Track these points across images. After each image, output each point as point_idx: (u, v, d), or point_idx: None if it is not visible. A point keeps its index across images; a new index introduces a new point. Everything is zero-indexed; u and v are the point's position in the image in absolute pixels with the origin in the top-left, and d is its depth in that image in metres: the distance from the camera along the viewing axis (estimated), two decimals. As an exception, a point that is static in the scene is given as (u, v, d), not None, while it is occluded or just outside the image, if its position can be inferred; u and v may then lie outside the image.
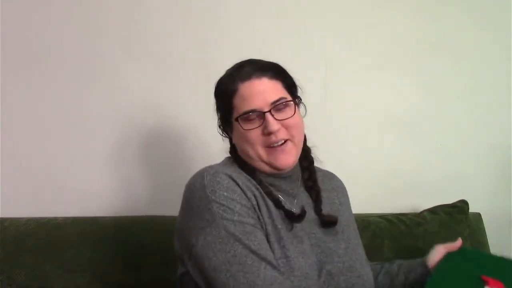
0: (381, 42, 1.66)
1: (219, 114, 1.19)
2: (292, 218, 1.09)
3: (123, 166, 1.61)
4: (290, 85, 1.17)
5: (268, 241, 1.05)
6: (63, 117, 1.60)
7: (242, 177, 1.11)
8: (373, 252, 1.39)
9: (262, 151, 1.12)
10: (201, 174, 1.09)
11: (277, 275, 0.99)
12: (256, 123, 1.11)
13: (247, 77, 1.12)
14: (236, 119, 1.11)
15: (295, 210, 1.12)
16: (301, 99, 1.19)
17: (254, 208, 1.07)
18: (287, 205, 1.12)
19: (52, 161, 1.59)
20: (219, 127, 1.21)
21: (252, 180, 1.12)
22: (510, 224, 1.56)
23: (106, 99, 1.60)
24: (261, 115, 1.10)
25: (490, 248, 1.50)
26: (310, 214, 1.15)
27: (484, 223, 1.56)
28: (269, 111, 1.10)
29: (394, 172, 1.65)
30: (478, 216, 1.58)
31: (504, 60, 1.65)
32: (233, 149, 1.21)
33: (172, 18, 1.62)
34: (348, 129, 1.64)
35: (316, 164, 1.24)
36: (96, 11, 1.61)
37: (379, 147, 1.66)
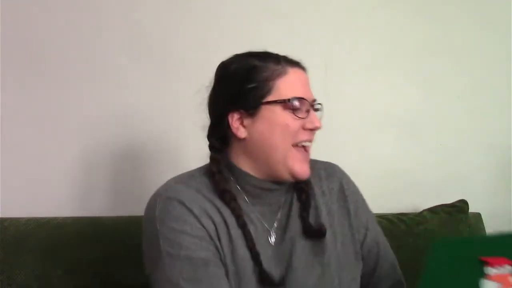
0: (381, 42, 1.66)
1: (226, 99, 1.04)
2: (264, 282, 0.98)
3: (124, 166, 1.61)
4: None
5: (227, 274, 0.97)
6: (62, 117, 1.60)
7: (204, 199, 1.00)
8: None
9: (290, 149, 1.01)
10: (154, 200, 1.01)
11: None
12: (302, 114, 1.01)
13: (295, 64, 1.05)
14: (286, 101, 1.00)
15: (281, 271, 1.01)
16: None
17: (211, 236, 0.97)
18: (258, 234, 1.02)
19: (52, 161, 1.59)
20: (217, 118, 1.06)
21: (219, 202, 1.01)
22: (510, 224, 1.56)
23: (106, 98, 1.60)
24: (308, 108, 1.02)
25: None
26: (296, 224, 1.06)
27: (484, 223, 1.56)
28: (313, 105, 1.04)
29: (394, 172, 1.65)
30: (478, 216, 1.58)
31: (504, 60, 1.65)
32: (219, 149, 1.06)
33: (172, 20, 1.62)
34: (348, 129, 1.64)
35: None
36: (95, 11, 1.61)
37: (379, 147, 1.66)
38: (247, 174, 1.04)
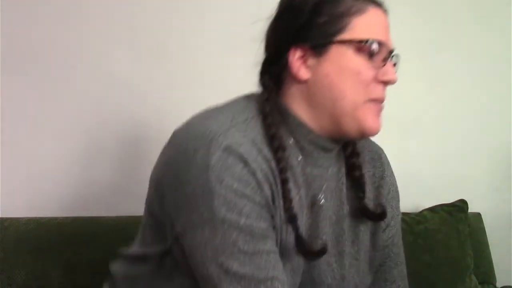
0: None
1: (286, 30, 0.89)
2: (306, 254, 0.86)
3: (124, 165, 1.60)
4: None
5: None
6: (62, 117, 1.60)
7: (260, 155, 0.82)
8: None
9: (362, 101, 0.86)
10: (206, 142, 0.80)
11: None
12: (378, 61, 0.87)
13: (378, 4, 0.90)
14: (358, 42, 0.85)
15: (323, 239, 0.89)
16: None
17: (269, 205, 0.82)
18: (300, 200, 0.87)
19: (52, 161, 1.58)
20: (274, 55, 0.90)
21: (269, 154, 0.83)
22: (510, 224, 1.56)
23: (106, 98, 1.60)
24: (386, 56, 0.88)
25: (491, 248, 1.51)
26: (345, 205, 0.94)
27: (484, 223, 1.56)
28: (393, 57, 0.90)
29: (395, 172, 1.65)
30: (478, 216, 1.58)
31: (506, 61, 1.65)
32: (272, 95, 0.89)
33: (165, 19, 1.62)
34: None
35: None
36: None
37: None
38: (303, 125, 0.88)
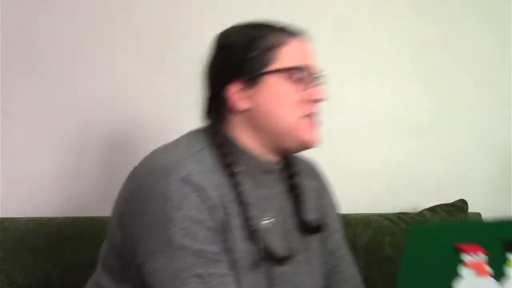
0: (381, 42, 1.65)
1: (224, 70, 0.98)
2: (273, 260, 0.94)
3: (124, 165, 1.60)
4: None
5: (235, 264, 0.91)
6: (62, 117, 1.60)
7: (215, 180, 0.91)
8: (374, 249, 1.39)
9: (297, 119, 0.96)
10: (164, 175, 0.89)
11: None
12: (303, 85, 0.97)
13: (300, 33, 1.01)
14: (288, 70, 0.95)
15: (290, 247, 0.98)
16: None
17: (221, 229, 0.90)
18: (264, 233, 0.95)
19: (52, 161, 1.58)
20: (212, 91, 1.00)
21: (225, 187, 0.92)
22: None
23: (106, 99, 1.60)
24: (312, 79, 0.98)
25: None
26: (290, 219, 1.03)
27: None
28: (318, 77, 1.00)
29: (394, 172, 1.65)
30: (478, 216, 1.57)
31: (505, 60, 1.64)
32: (216, 128, 0.99)
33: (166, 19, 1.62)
34: (348, 129, 1.64)
35: None
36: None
37: (379, 147, 1.66)
38: (246, 152, 0.97)
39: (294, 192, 1.05)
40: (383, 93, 1.66)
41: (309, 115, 0.97)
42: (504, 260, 1.00)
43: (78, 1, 1.61)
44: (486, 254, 1.01)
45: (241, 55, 0.96)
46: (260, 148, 0.98)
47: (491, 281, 0.99)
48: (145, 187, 0.90)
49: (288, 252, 0.96)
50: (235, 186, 0.93)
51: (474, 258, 1.02)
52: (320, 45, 1.62)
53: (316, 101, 0.97)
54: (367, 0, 1.66)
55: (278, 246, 0.97)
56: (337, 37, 1.64)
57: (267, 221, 0.98)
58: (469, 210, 1.55)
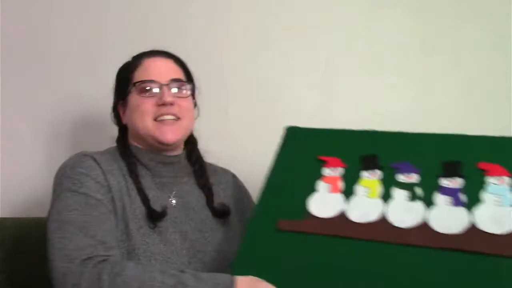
0: (381, 42, 1.66)
1: (115, 95, 1.27)
2: (152, 218, 1.13)
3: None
4: (190, 78, 1.27)
5: (127, 226, 1.09)
6: (62, 117, 1.61)
7: (113, 165, 1.16)
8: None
9: (150, 123, 1.18)
10: (70, 157, 1.16)
11: (91, 247, 0.98)
12: (152, 93, 1.18)
13: (153, 54, 1.24)
14: (134, 85, 1.19)
15: (163, 205, 1.16)
16: (195, 101, 1.29)
17: (111, 189, 1.11)
18: (157, 200, 1.17)
19: (52, 160, 1.56)
20: (113, 111, 1.28)
21: (124, 170, 1.17)
22: None
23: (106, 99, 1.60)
24: (159, 88, 1.18)
25: None
26: (200, 204, 1.24)
27: None
28: (167, 84, 1.19)
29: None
30: None
31: (504, 60, 1.64)
32: (121, 135, 1.27)
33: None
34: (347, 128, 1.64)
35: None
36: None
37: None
38: (141, 150, 1.22)
39: (199, 181, 1.28)
40: (382, 93, 1.66)
41: (160, 118, 1.18)
42: (357, 178, 1.08)
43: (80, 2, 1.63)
44: (345, 168, 1.11)
45: (119, 82, 1.26)
46: (147, 146, 1.22)
47: (339, 197, 1.07)
48: (57, 171, 1.15)
49: (164, 208, 1.16)
50: (131, 172, 1.17)
51: (333, 172, 1.12)
52: (320, 46, 1.66)
53: (162, 104, 1.17)
54: (368, 1, 1.67)
55: (182, 220, 1.19)
56: (337, 38, 1.66)
57: (173, 201, 1.21)
58: (469, 210, 1.52)
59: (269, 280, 0.99)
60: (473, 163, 1.07)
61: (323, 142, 1.21)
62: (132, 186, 1.16)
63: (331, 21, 1.67)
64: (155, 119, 1.18)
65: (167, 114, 1.18)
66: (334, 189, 1.12)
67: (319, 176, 1.14)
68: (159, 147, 1.21)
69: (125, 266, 0.95)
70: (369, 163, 1.13)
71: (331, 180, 1.13)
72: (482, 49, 1.64)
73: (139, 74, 1.21)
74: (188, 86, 1.24)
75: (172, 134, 1.19)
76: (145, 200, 1.15)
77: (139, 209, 1.13)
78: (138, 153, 1.22)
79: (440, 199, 1.04)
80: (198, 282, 0.94)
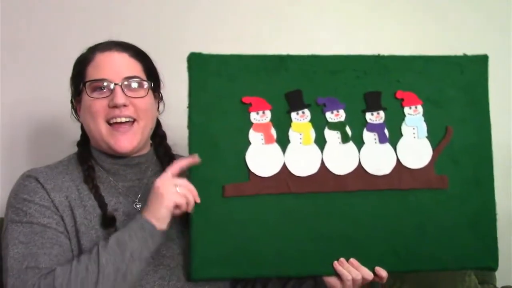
0: (381, 42, 1.62)
1: (71, 89, 1.15)
2: (104, 225, 1.06)
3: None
4: (150, 72, 1.14)
5: (79, 242, 1.03)
6: (62, 117, 1.33)
7: (62, 178, 1.08)
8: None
9: (103, 127, 1.08)
10: (17, 179, 1.09)
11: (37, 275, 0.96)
12: (104, 93, 1.08)
13: (108, 48, 1.11)
14: (84, 85, 1.08)
15: (110, 211, 1.07)
16: (161, 95, 1.19)
17: (58, 209, 1.04)
18: (119, 207, 1.09)
19: (51, 160, 1.24)
20: (72, 107, 1.17)
21: (79, 180, 1.09)
22: (510, 224, 1.61)
23: None
24: (111, 86, 1.07)
25: None
26: None
27: None
28: (120, 84, 1.07)
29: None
30: None
31: (504, 60, 1.60)
32: (82, 138, 1.17)
33: None
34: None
35: None
36: None
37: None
38: (103, 155, 1.13)
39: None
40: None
41: (113, 121, 1.08)
42: (288, 122, 1.12)
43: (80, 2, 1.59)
44: (271, 110, 1.11)
45: (72, 77, 1.14)
46: (107, 150, 1.12)
47: (276, 148, 1.11)
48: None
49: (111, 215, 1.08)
50: (87, 180, 1.09)
51: (261, 118, 1.11)
52: (320, 46, 1.43)
53: (115, 106, 1.06)
54: (368, 0, 1.65)
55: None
56: (337, 38, 1.65)
57: (138, 206, 1.12)
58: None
59: (226, 249, 1.05)
60: (391, 92, 1.12)
61: (238, 74, 1.09)
62: (88, 196, 1.07)
63: (332, 19, 1.65)
64: (108, 122, 1.08)
65: (120, 117, 1.07)
66: (268, 139, 1.09)
67: (248, 124, 1.08)
68: (109, 151, 1.11)
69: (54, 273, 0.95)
70: (295, 102, 1.10)
71: (262, 129, 1.09)
72: (483, 49, 1.44)
73: (91, 71, 1.09)
74: (146, 84, 1.11)
75: (127, 142, 1.08)
76: (102, 205, 1.07)
77: (96, 219, 1.06)
78: (98, 157, 1.13)
79: (367, 136, 1.11)
80: (123, 245, 0.96)
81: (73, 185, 1.08)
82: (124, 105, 1.07)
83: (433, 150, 1.12)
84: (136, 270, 0.97)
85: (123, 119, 1.08)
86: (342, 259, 1.07)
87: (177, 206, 1.00)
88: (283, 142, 1.09)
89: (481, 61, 1.17)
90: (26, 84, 1.57)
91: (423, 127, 1.12)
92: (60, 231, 1.02)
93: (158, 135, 1.21)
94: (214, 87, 1.08)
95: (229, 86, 1.08)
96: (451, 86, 1.14)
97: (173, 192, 0.99)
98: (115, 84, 1.07)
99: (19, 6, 1.58)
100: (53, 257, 0.99)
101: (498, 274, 1.53)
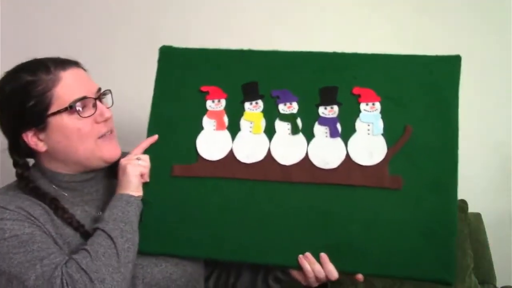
0: (381, 42, 1.58)
1: (13, 124, 1.05)
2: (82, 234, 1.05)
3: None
4: None
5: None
6: None
7: (21, 200, 1.03)
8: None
9: (93, 145, 1.06)
10: None
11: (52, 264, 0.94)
12: (89, 111, 1.05)
13: (66, 65, 1.06)
14: (69, 108, 1.02)
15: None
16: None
17: (31, 219, 1.00)
18: (87, 215, 1.09)
19: None
20: (12, 145, 1.08)
21: (37, 201, 1.04)
22: (510, 224, 1.58)
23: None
24: (93, 102, 1.06)
25: (491, 247, 1.55)
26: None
27: (484, 223, 1.58)
28: (99, 98, 1.08)
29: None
30: (478, 216, 1.58)
31: (505, 60, 1.60)
32: (22, 169, 1.09)
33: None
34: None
35: None
36: None
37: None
38: (59, 174, 1.09)
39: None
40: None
41: (103, 135, 1.07)
42: (241, 111, 1.12)
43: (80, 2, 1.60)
44: (226, 99, 1.13)
45: (20, 107, 1.02)
46: (72, 171, 1.09)
47: (226, 135, 1.12)
48: None
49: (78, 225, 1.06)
50: (43, 198, 1.05)
51: (216, 106, 1.13)
52: (320, 46, 1.57)
53: (104, 120, 1.06)
54: (368, 0, 1.65)
55: None
56: (337, 38, 1.64)
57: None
58: (469, 210, 1.55)
59: (168, 227, 1.09)
60: (348, 88, 1.11)
61: (201, 66, 1.17)
62: (50, 212, 1.05)
63: (332, 19, 1.65)
64: (99, 138, 1.07)
65: (109, 130, 1.09)
66: (220, 126, 1.13)
67: (203, 111, 1.14)
68: (98, 166, 1.10)
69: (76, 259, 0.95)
70: (250, 93, 1.14)
71: (215, 116, 1.14)
72: (483, 49, 1.55)
73: (65, 93, 1.03)
74: (109, 92, 1.12)
75: (118, 149, 1.11)
76: (78, 228, 1.05)
77: (66, 233, 1.05)
78: (54, 177, 1.09)
79: (318, 130, 1.10)
80: (122, 220, 1.01)
81: (32, 203, 1.04)
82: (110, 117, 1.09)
83: (389, 149, 1.07)
84: (137, 239, 1.04)
85: (109, 132, 1.09)
86: (308, 253, 1.04)
87: (142, 175, 1.09)
88: (234, 129, 1.13)
89: (453, 61, 1.11)
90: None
91: (379, 124, 1.08)
92: (46, 235, 1.00)
93: None
94: (177, 77, 1.17)
95: (191, 76, 1.17)
96: (415, 85, 1.09)
97: (136, 164, 1.08)
98: (95, 99, 1.07)
99: (19, 6, 1.61)
100: (58, 252, 0.98)
101: (498, 274, 1.51)
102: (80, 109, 1.03)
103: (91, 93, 1.06)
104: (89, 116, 1.04)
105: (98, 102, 1.07)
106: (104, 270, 0.94)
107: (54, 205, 1.05)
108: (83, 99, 1.04)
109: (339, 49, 1.62)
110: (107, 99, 1.12)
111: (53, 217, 1.04)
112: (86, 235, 1.04)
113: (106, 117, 1.06)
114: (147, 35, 1.58)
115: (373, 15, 1.68)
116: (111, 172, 1.14)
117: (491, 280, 1.54)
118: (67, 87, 1.03)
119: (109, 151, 1.08)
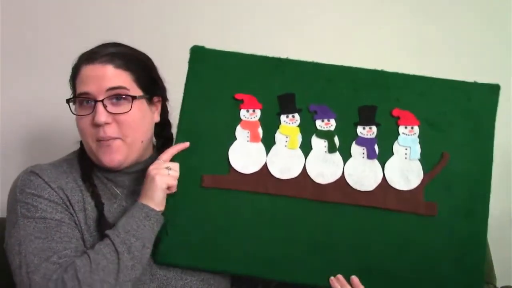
0: (382, 42, 1.60)
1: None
2: (98, 226, 1.04)
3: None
4: (144, 80, 1.08)
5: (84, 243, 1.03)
6: (61, 116, 1.29)
7: (67, 178, 1.06)
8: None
9: (92, 143, 1.05)
10: (18, 176, 1.05)
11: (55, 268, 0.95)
12: (88, 110, 1.04)
13: (92, 59, 1.05)
14: (70, 101, 1.07)
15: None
16: (160, 98, 1.13)
17: (67, 205, 1.03)
18: (115, 208, 1.08)
19: (51, 159, 1.27)
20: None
21: (79, 180, 1.07)
22: (510, 224, 1.57)
23: None
24: (93, 104, 1.03)
25: (491, 248, 1.50)
26: None
27: None
28: (102, 100, 1.03)
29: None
30: None
31: (505, 60, 1.57)
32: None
33: None
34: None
35: None
36: None
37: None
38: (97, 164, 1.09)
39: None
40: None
41: (98, 139, 1.04)
42: (276, 124, 1.10)
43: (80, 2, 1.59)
44: (261, 110, 1.10)
45: (70, 79, 1.10)
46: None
47: (260, 147, 1.10)
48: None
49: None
50: (84, 181, 1.07)
51: (251, 116, 1.10)
52: (321, 46, 1.58)
53: (97, 125, 1.03)
54: (369, 0, 1.62)
55: None
56: (337, 38, 1.61)
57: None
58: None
59: (194, 239, 1.06)
60: (388, 108, 1.09)
61: (235, 71, 1.12)
62: (87, 199, 1.05)
63: (333, 20, 1.63)
64: (97, 140, 1.05)
65: (104, 138, 1.03)
66: (254, 138, 1.10)
67: (237, 120, 1.10)
68: (103, 167, 1.08)
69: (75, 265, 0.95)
70: (287, 105, 1.10)
71: (250, 126, 1.10)
72: (483, 49, 1.52)
73: (80, 84, 1.05)
74: (129, 96, 1.04)
75: (113, 157, 1.05)
76: (98, 205, 1.05)
77: (94, 224, 1.05)
78: (93, 167, 1.10)
79: (355, 150, 1.08)
80: (134, 234, 0.98)
81: (76, 186, 1.06)
82: (106, 123, 1.03)
83: (425, 174, 1.07)
84: (147, 256, 1.01)
85: (107, 139, 1.04)
86: (339, 275, 1.03)
87: (169, 188, 1.03)
88: (269, 142, 1.10)
89: (492, 90, 1.11)
90: (26, 85, 1.57)
91: (417, 148, 1.08)
92: (73, 225, 1.02)
93: (163, 137, 1.19)
94: (210, 80, 1.12)
95: (224, 81, 1.11)
96: (454, 111, 1.09)
97: (165, 174, 1.02)
98: (96, 101, 1.03)
99: (19, 7, 1.57)
100: (72, 251, 0.98)
101: (498, 274, 1.49)
102: (83, 102, 1.04)
103: (100, 92, 1.03)
104: (84, 114, 1.04)
105: (98, 105, 1.02)
106: (98, 286, 0.93)
107: (92, 190, 1.06)
108: (79, 95, 1.04)
109: (339, 49, 1.62)
110: (123, 103, 1.05)
111: (86, 206, 1.05)
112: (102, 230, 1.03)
113: (96, 121, 1.02)
114: (155, 38, 1.54)
115: (374, 14, 1.66)
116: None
117: (491, 280, 1.52)
118: (81, 81, 1.05)
119: (105, 158, 1.05)
